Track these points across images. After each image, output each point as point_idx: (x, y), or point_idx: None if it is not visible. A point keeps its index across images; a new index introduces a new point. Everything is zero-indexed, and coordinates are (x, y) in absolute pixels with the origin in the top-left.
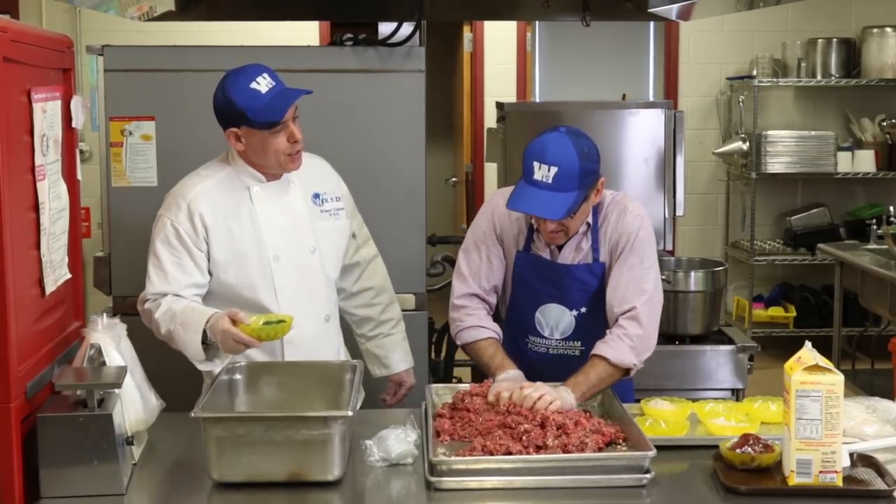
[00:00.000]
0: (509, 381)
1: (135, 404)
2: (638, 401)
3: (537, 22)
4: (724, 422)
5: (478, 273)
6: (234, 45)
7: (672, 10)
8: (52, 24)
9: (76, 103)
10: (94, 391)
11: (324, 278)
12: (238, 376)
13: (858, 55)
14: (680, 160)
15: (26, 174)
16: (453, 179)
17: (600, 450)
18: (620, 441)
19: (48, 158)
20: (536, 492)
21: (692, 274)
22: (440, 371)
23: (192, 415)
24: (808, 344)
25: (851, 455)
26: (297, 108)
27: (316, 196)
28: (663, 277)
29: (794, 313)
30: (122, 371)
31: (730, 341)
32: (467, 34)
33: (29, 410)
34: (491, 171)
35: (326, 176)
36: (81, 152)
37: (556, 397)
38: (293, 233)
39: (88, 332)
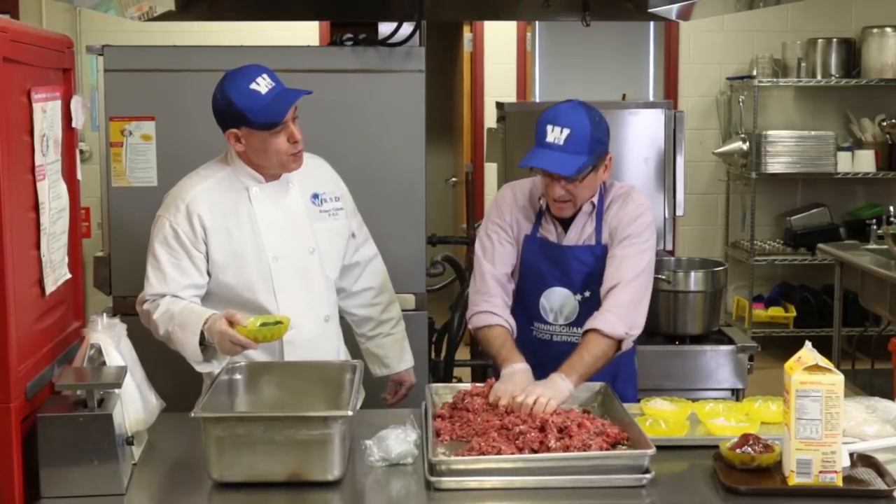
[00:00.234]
0: (515, 375)
1: (135, 404)
2: (638, 401)
3: (537, 22)
4: (724, 422)
5: (493, 257)
6: (234, 45)
7: (672, 10)
8: (52, 24)
9: (76, 103)
10: (94, 391)
11: (323, 279)
12: (238, 376)
13: (858, 55)
14: (680, 160)
15: (26, 174)
16: (453, 179)
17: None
18: (624, 442)
19: (48, 158)
20: (536, 492)
21: (692, 274)
22: (440, 371)
23: (192, 415)
24: (808, 344)
25: (851, 455)
26: (297, 108)
27: (315, 196)
28: (663, 277)
29: (794, 313)
30: (122, 371)
31: (730, 341)
32: (467, 34)
33: (29, 410)
34: (491, 171)
35: (326, 176)
36: (81, 152)
37: (550, 395)
38: (292, 233)
39: (88, 332)
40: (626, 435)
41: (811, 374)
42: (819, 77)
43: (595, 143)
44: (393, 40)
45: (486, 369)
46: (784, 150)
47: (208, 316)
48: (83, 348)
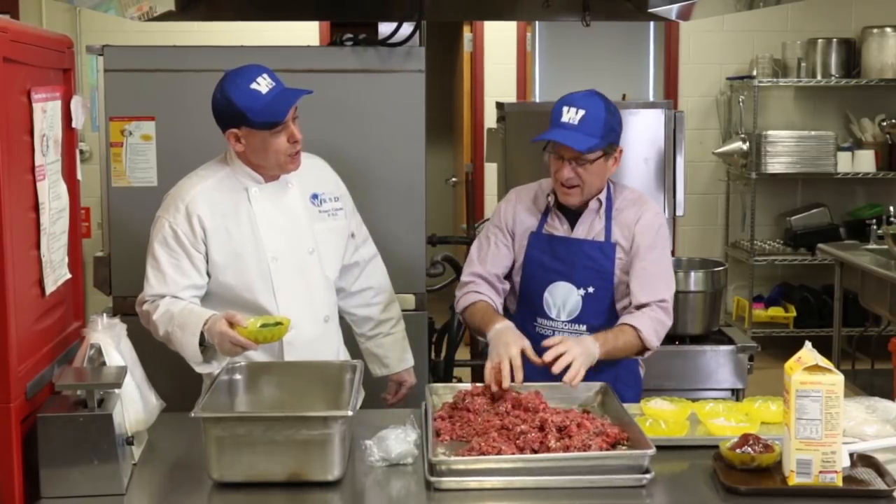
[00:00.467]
0: (503, 333)
1: (135, 404)
2: (637, 400)
3: (537, 22)
4: (724, 422)
5: (485, 258)
6: (234, 45)
7: (672, 10)
8: (52, 24)
9: (76, 103)
10: (94, 391)
11: (322, 279)
12: (238, 376)
13: (858, 55)
14: (680, 160)
15: (26, 174)
16: (453, 179)
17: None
18: (624, 442)
19: (48, 158)
20: (536, 492)
21: (692, 274)
22: (440, 371)
23: (192, 415)
24: (808, 344)
25: (851, 455)
26: (297, 108)
27: (314, 197)
28: None
29: (794, 313)
30: (122, 371)
31: (730, 341)
32: (467, 34)
33: (29, 410)
34: (491, 171)
35: (325, 176)
36: (81, 152)
37: (581, 362)
38: (291, 234)
39: (88, 332)
40: (626, 435)
41: (811, 374)
42: (819, 77)
43: (608, 130)
44: (393, 40)
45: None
46: (784, 150)
47: (208, 317)
48: (83, 348)
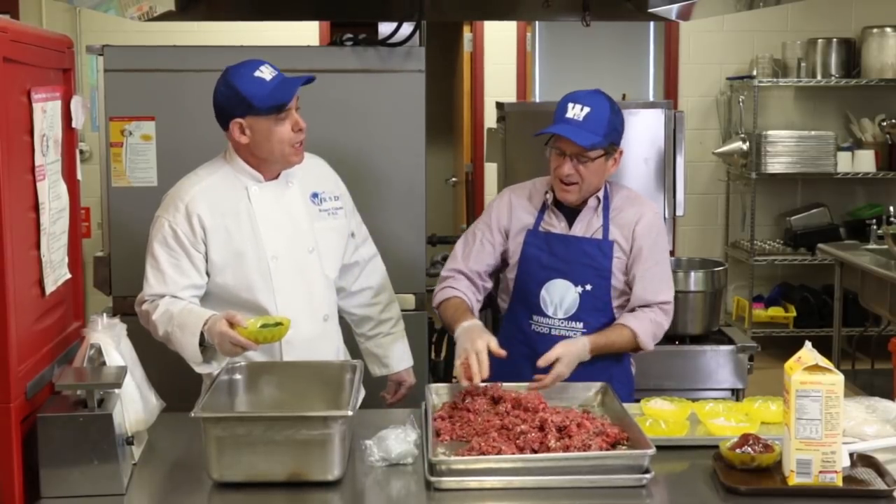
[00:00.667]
0: (470, 331)
1: (135, 404)
2: (638, 401)
3: (537, 22)
4: (724, 422)
5: (469, 254)
6: (234, 45)
7: (672, 10)
8: (52, 24)
9: (76, 103)
10: (94, 391)
11: (322, 278)
12: (238, 376)
13: (858, 55)
14: (680, 160)
15: (26, 174)
16: (453, 179)
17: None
18: (624, 442)
19: (48, 158)
20: (536, 492)
21: (692, 274)
22: (440, 371)
23: (192, 415)
24: (808, 344)
25: (851, 455)
26: (299, 98)
27: (314, 195)
28: None
29: (794, 313)
30: (122, 371)
31: (730, 341)
32: (467, 34)
33: (29, 410)
34: (491, 171)
35: (325, 175)
36: (81, 152)
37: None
38: (292, 232)
39: (88, 332)
40: (626, 435)
41: (811, 374)
42: (819, 77)
43: (611, 129)
44: (393, 40)
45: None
46: (784, 150)
47: (208, 317)
48: (83, 348)
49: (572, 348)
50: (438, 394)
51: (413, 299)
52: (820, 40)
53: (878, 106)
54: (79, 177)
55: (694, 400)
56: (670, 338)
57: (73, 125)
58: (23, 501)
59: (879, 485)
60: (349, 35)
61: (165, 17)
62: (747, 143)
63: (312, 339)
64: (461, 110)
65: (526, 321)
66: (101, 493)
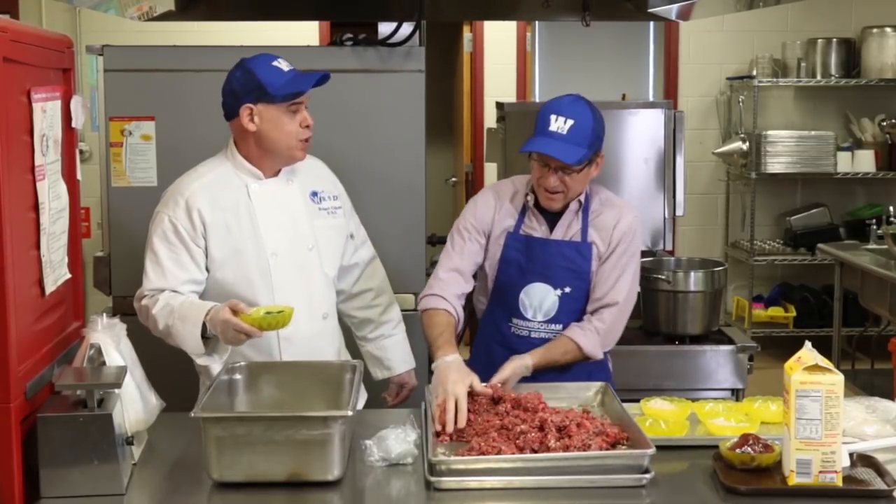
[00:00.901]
0: (449, 368)
1: (135, 404)
2: (637, 401)
3: (537, 22)
4: (724, 422)
5: (461, 251)
6: (234, 45)
7: (672, 10)
8: (52, 24)
9: (76, 103)
10: (94, 391)
11: (322, 276)
12: (238, 376)
13: (858, 55)
14: (680, 160)
15: (26, 174)
16: (453, 179)
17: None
18: (624, 442)
19: (48, 158)
20: (536, 492)
21: (692, 274)
22: None
23: (192, 415)
24: (808, 344)
25: (851, 455)
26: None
27: (314, 194)
28: (663, 277)
29: (794, 313)
30: (122, 371)
31: (730, 341)
32: (467, 34)
33: (29, 410)
34: (491, 171)
35: (324, 175)
36: (81, 152)
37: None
38: (291, 230)
39: (88, 332)
40: (626, 435)
41: (811, 374)
42: (819, 77)
43: (595, 138)
44: (393, 40)
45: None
46: (784, 150)
47: (210, 307)
48: (83, 348)
49: (518, 370)
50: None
51: (413, 299)
52: (820, 40)
53: (878, 106)
54: (79, 177)
55: (694, 400)
56: (670, 338)
57: (73, 125)
58: (23, 501)
59: (879, 485)
60: (349, 35)
61: (165, 17)
62: (747, 143)
63: (311, 337)
64: (461, 110)
65: (505, 324)
66: (101, 493)
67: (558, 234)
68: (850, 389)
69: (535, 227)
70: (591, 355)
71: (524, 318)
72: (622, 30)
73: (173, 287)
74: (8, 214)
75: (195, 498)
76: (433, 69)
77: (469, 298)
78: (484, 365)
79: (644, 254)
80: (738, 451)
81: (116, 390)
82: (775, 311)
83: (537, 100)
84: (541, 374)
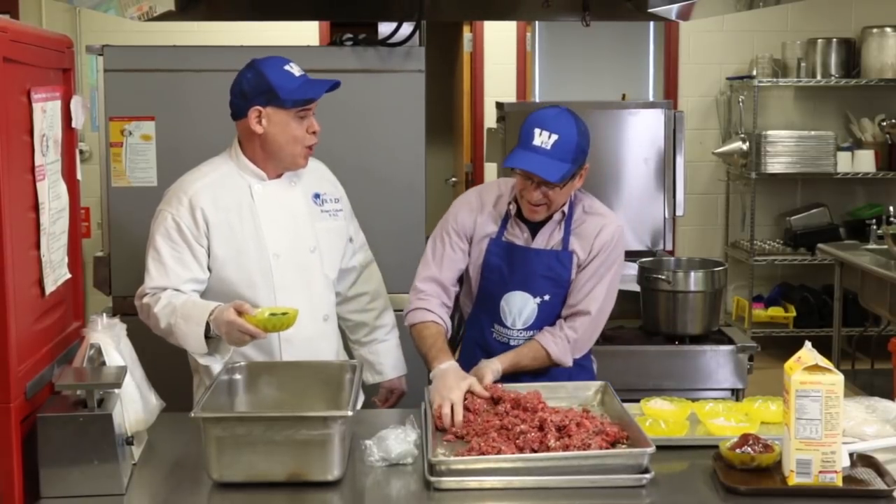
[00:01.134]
0: (446, 375)
1: (135, 404)
2: (637, 401)
3: (537, 22)
4: (724, 422)
5: (441, 261)
6: (234, 45)
7: (672, 10)
8: (52, 24)
9: (76, 103)
10: (94, 391)
11: (323, 278)
12: (238, 376)
13: (858, 55)
14: (680, 160)
15: (26, 174)
16: (453, 179)
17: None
18: (624, 441)
19: (48, 158)
20: (536, 492)
21: (692, 274)
22: None
23: (192, 415)
24: (808, 344)
25: (851, 455)
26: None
27: (316, 196)
28: (663, 277)
29: (794, 313)
30: (122, 371)
31: (730, 341)
32: (467, 34)
33: (29, 410)
34: (491, 171)
35: (326, 178)
36: (81, 152)
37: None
38: (294, 231)
39: (88, 332)
40: (626, 434)
41: (811, 374)
42: (819, 77)
43: (579, 152)
44: (393, 40)
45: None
46: (784, 150)
47: (213, 307)
48: (83, 348)
49: (492, 367)
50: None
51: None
52: (820, 40)
53: (877, 106)
54: (79, 177)
55: (694, 400)
56: (670, 338)
57: (73, 125)
58: (23, 501)
59: (879, 485)
60: (349, 35)
61: (165, 17)
62: (747, 143)
63: (312, 339)
64: (461, 110)
65: (488, 329)
66: (101, 493)
67: (540, 242)
68: (850, 389)
69: (518, 235)
70: (560, 362)
71: (504, 326)
72: (622, 30)
73: (175, 286)
74: (8, 214)
75: (195, 498)
76: (433, 69)
77: (456, 301)
78: (468, 368)
79: (644, 254)
80: (738, 451)
81: (116, 390)
82: (775, 311)
83: (537, 100)
84: (519, 377)
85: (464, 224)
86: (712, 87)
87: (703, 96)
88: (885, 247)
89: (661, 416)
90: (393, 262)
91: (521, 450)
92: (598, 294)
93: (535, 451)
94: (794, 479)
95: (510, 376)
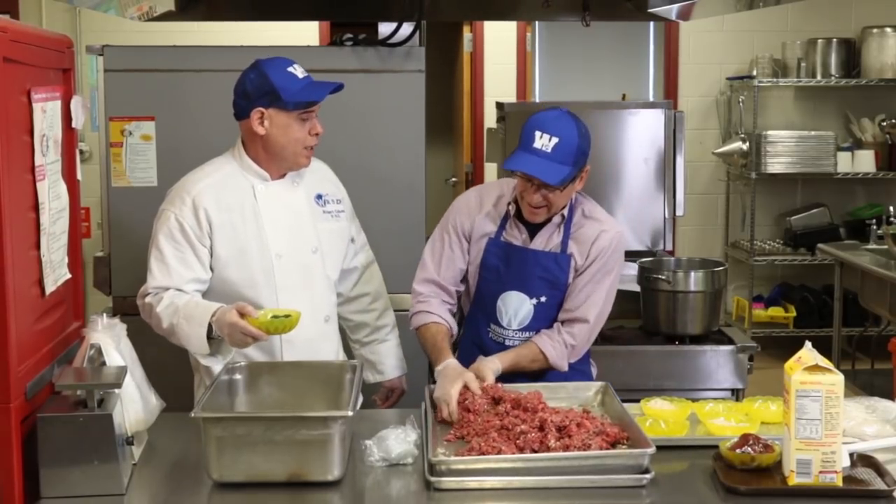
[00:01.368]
0: (447, 371)
1: (135, 404)
2: (637, 401)
3: (537, 22)
4: (724, 422)
5: (439, 261)
6: (234, 45)
7: (672, 10)
8: (52, 24)
9: (76, 103)
10: (94, 391)
11: (324, 278)
12: (238, 376)
13: (858, 55)
14: (680, 160)
15: (26, 174)
16: (453, 179)
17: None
18: (624, 441)
19: (48, 158)
20: (536, 492)
21: (692, 274)
22: None
23: (192, 415)
24: (808, 344)
25: (851, 455)
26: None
27: (318, 197)
28: (663, 277)
29: (794, 313)
30: (122, 371)
31: (730, 341)
32: (467, 34)
33: (29, 410)
34: (491, 171)
35: (328, 178)
36: (81, 152)
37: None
38: (296, 231)
39: (88, 332)
40: (626, 434)
41: (811, 374)
42: (819, 77)
43: (580, 155)
44: (393, 40)
45: None
46: (784, 150)
47: (216, 308)
48: (83, 348)
49: (491, 366)
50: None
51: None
52: (820, 40)
53: (878, 106)
54: (79, 177)
55: (694, 400)
56: (670, 338)
57: (73, 125)
58: (23, 501)
59: (879, 485)
60: (349, 35)
61: (165, 17)
62: (747, 143)
63: (313, 339)
64: (461, 110)
65: (484, 328)
66: (101, 493)
67: (538, 243)
68: (850, 389)
69: (516, 236)
70: (557, 367)
71: (500, 325)
72: (622, 30)
73: (178, 286)
74: (8, 214)
75: (195, 498)
76: (433, 69)
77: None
78: (465, 366)
79: (644, 254)
80: (738, 451)
81: (116, 390)
82: (775, 311)
83: (537, 100)
84: (519, 377)
85: (462, 223)
86: (712, 87)
87: (703, 96)
88: (885, 247)
89: (661, 417)
90: (393, 262)
91: (521, 450)
92: (596, 301)
93: (535, 452)
94: (794, 479)
95: (509, 377)
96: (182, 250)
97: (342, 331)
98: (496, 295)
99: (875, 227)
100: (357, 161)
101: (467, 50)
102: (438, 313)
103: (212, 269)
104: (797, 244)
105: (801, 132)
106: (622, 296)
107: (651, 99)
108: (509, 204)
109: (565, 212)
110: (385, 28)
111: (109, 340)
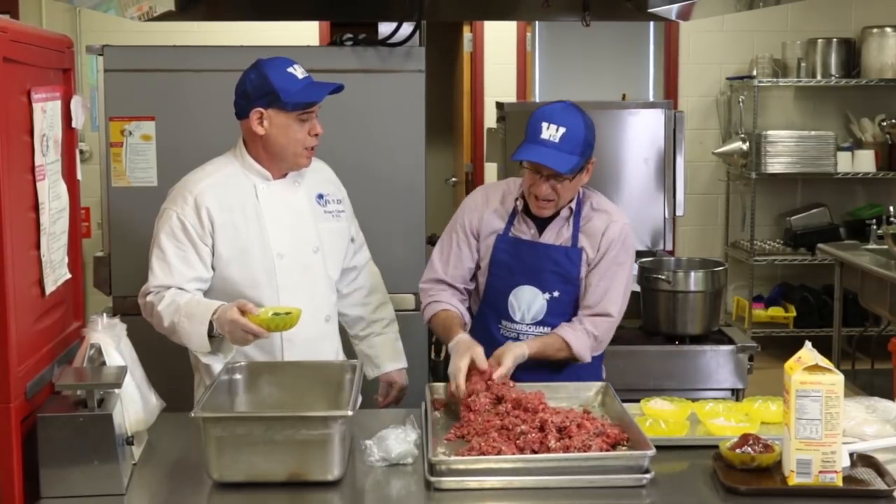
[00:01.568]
0: (458, 345)
1: (135, 404)
2: (637, 401)
3: (537, 22)
4: (724, 422)
5: (447, 260)
6: (234, 45)
7: (672, 10)
8: (52, 24)
9: (76, 103)
10: (94, 391)
11: (325, 278)
12: (238, 376)
13: (858, 55)
14: (680, 160)
15: (26, 174)
16: (453, 179)
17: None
18: (624, 442)
19: (48, 158)
20: (536, 492)
21: (692, 274)
22: (440, 371)
23: (192, 415)
24: (808, 344)
25: (851, 455)
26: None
27: (320, 197)
28: (663, 277)
29: (794, 313)
30: (122, 371)
31: (730, 341)
32: (467, 34)
33: (29, 410)
34: (491, 171)
35: (329, 178)
36: (81, 152)
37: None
38: (298, 231)
39: (88, 332)
40: (627, 436)
41: (811, 374)
42: (819, 77)
43: (586, 146)
44: (393, 40)
45: None
46: (784, 150)
47: (217, 306)
48: (83, 348)
49: (518, 360)
50: (439, 393)
51: (413, 299)
52: (820, 40)
53: (878, 106)
54: (79, 177)
55: (694, 400)
56: (670, 338)
57: (73, 125)
58: (23, 501)
59: (879, 485)
60: (349, 35)
61: (165, 17)
62: (747, 143)
63: (313, 339)
64: (461, 110)
65: (495, 325)
66: (101, 493)
67: (547, 238)
68: (850, 389)
69: (525, 231)
70: (581, 357)
71: (512, 321)
72: (622, 30)
73: (179, 284)
74: (8, 214)
75: (195, 498)
76: (433, 69)
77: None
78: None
79: (644, 254)
80: (738, 451)
81: (116, 390)
82: (775, 311)
83: (537, 100)
84: (532, 375)
85: (471, 220)
86: (712, 87)
87: (703, 96)
88: (885, 247)
89: (661, 416)
90: (393, 261)
91: (521, 450)
92: (615, 296)
93: (535, 452)
94: (794, 479)
95: (519, 372)
96: (184, 249)
97: (343, 330)
98: (507, 290)
99: (875, 227)
100: (357, 161)
101: (467, 50)
102: (449, 302)
103: (213, 268)
104: (797, 244)
105: (801, 132)
106: None
107: (651, 99)
108: (517, 200)
109: (573, 205)
110: (385, 28)
111: (109, 340)
